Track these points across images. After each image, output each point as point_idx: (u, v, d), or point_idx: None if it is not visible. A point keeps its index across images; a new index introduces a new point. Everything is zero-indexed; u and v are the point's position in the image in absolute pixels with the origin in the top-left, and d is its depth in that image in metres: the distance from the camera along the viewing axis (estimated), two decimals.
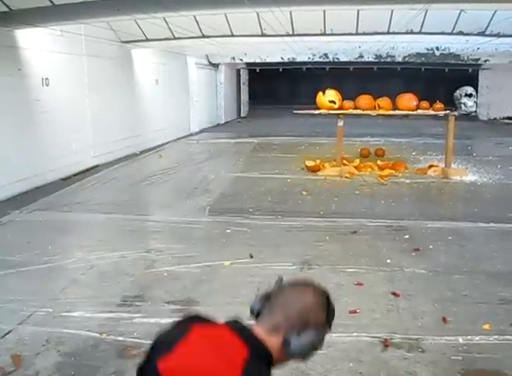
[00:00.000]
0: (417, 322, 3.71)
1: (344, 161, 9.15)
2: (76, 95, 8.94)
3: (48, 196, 7.39)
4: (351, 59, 16.12)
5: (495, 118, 18.03)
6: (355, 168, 9.02)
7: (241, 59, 16.74)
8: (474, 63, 15.60)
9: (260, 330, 1.48)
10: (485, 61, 15.53)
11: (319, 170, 8.85)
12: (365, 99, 8.65)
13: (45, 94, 8.07)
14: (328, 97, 8.57)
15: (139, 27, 10.25)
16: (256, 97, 22.14)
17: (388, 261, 4.87)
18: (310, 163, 8.92)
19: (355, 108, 8.67)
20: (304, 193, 7.61)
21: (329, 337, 3.29)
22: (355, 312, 3.84)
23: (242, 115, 20.50)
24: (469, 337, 3.48)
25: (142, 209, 6.93)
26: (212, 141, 13.56)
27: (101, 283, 4.44)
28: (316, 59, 16.26)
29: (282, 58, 16.26)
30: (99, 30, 9.33)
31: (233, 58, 16.84)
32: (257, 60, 16.30)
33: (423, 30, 10.15)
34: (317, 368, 3.13)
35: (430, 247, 5.28)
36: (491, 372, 3.11)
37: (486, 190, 7.83)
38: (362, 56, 15.95)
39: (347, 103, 8.69)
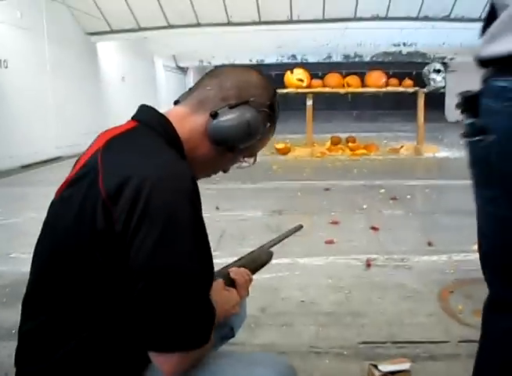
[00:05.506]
0: (400, 247, 3.46)
1: (315, 144, 8.97)
2: (37, 82, 8.57)
3: (5, 178, 6.97)
4: (320, 60, 16.07)
5: (462, 119, 18.09)
6: (327, 150, 8.82)
7: (209, 63, 16.55)
8: (440, 62, 15.70)
9: (177, 110, 1.15)
10: (451, 59, 15.66)
11: (289, 152, 8.61)
12: (333, 77, 8.49)
13: (3, 77, 7.68)
14: (296, 76, 8.38)
15: (103, 15, 10.07)
16: None
17: (365, 206, 4.63)
18: (280, 145, 8.66)
19: (324, 86, 8.50)
20: (274, 167, 7.33)
21: (301, 260, 3.12)
22: (331, 242, 3.57)
23: None
24: (459, 255, 3.25)
25: None
26: None
27: None
28: (285, 60, 16.24)
29: (250, 60, 16.18)
30: (61, 20, 9.19)
31: (201, 61, 16.69)
32: (225, 62, 16.09)
33: (389, 15, 10.20)
34: (292, 285, 2.82)
35: (408, 197, 5.08)
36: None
37: (459, 163, 7.67)
38: (330, 57, 15.92)
39: (316, 82, 8.52)
